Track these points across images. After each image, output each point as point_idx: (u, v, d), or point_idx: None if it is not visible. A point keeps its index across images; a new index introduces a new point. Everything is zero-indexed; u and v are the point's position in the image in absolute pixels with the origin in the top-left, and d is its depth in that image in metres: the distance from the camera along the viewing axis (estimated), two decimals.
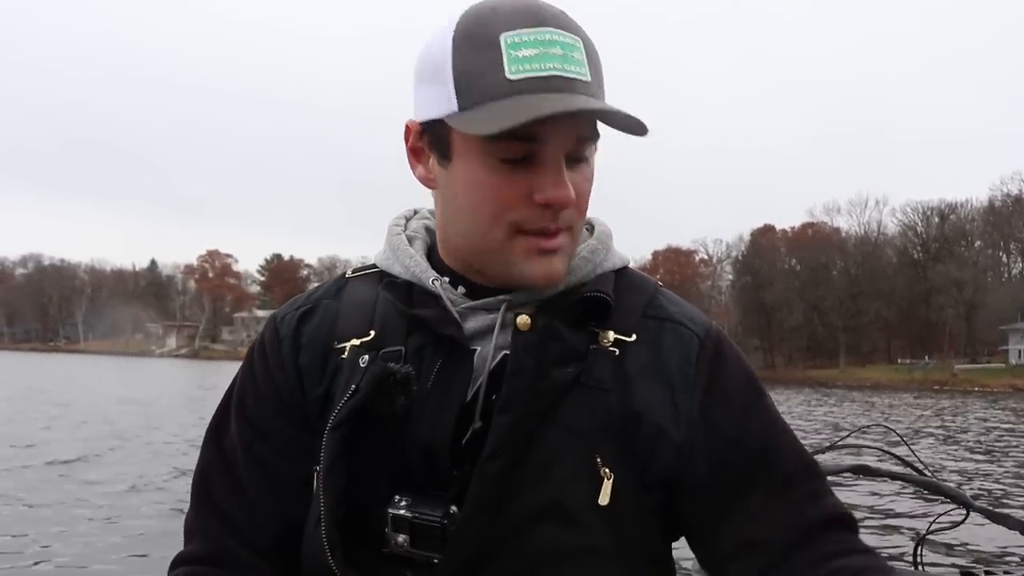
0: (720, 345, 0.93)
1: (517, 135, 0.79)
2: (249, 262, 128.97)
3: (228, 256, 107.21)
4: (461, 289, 0.91)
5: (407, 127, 0.89)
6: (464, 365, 0.87)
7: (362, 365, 0.88)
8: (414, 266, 0.92)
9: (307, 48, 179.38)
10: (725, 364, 0.92)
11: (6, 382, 28.27)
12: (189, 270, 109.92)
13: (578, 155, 0.85)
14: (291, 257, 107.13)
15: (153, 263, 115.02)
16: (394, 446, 0.85)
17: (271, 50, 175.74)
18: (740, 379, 0.92)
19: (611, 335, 0.89)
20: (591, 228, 0.97)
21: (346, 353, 0.90)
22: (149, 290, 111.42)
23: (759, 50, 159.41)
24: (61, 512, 7.32)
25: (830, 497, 0.90)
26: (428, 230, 0.98)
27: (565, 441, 0.84)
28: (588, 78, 0.82)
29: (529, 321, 0.86)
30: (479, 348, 0.88)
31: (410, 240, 0.97)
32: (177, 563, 0.93)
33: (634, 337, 0.89)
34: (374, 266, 0.98)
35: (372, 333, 0.90)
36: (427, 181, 0.90)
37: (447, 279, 0.91)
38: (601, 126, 0.84)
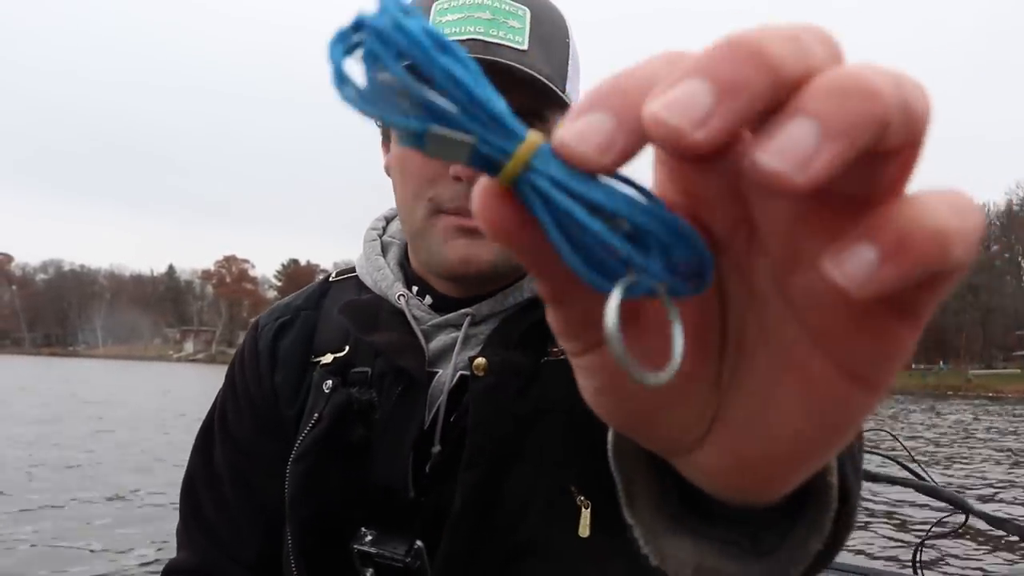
0: None
1: None
2: (266, 267, 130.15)
3: (245, 261, 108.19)
4: (428, 299, 0.88)
5: None
6: (423, 392, 0.84)
7: (326, 391, 0.87)
8: (381, 280, 0.90)
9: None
10: None
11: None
12: (207, 275, 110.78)
13: None
14: (307, 262, 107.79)
15: (171, 268, 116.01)
16: (358, 476, 0.84)
17: (292, 50, 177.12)
18: None
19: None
20: None
21: (316, 373, 0.89)
22: (167, 295, 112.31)
23: None
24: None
25: None
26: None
27: (536, 477, 0.81)
28: (522, 46, 0.77)
29: (485, 365, 0.83)
30: (441, 370, 0.85)
31: (386, 246, 0.94)
32: (168, 572, 0.94)
33: None
34: (354, 270, 0.96)
35: (347, 348, 0.89)
36: (386, 170, 0.88)
37: (416, 289, 0.89)
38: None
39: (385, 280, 0.90)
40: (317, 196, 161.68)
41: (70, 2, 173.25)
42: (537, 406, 0.83)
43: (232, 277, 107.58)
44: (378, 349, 0.86)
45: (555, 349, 0.85)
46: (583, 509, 0.80)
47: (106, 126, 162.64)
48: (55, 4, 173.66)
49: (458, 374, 0.84)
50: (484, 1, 0.78)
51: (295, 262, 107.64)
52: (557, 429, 0.82)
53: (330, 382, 0.87)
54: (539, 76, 0.76)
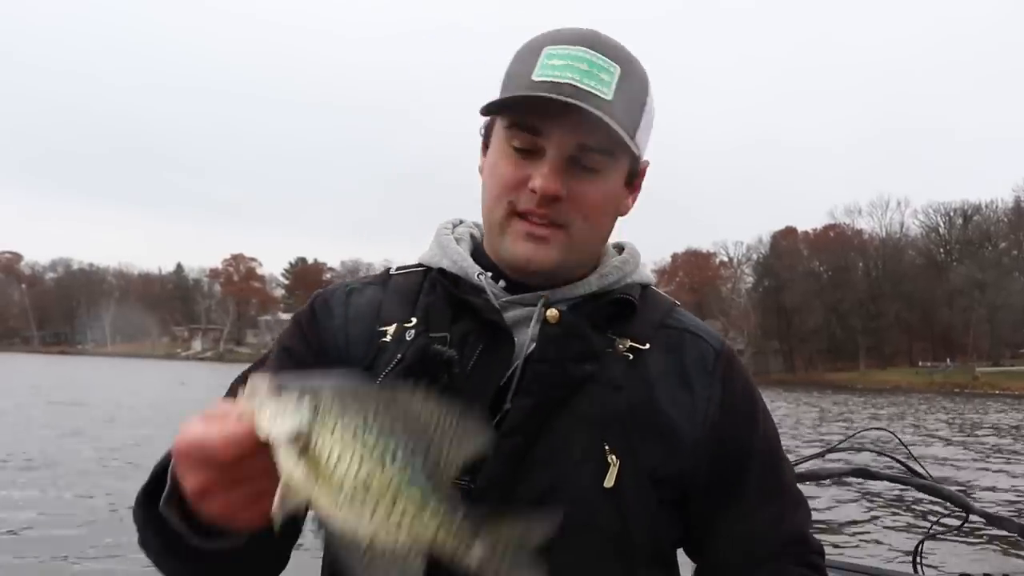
0: (732, 358, 1.04)
1: (523, 126, 0.93)
2: (273, 265, 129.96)
3: (252, 260, 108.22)
4: (502, 283, 1.01)
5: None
6: (504, 351, 0.95)
7: (408, 339, 0.97)
8: (461, 261, 1.02)
9: (336, 49, 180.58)
10: (737, 375, 1.03)
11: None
12: (214, 273, 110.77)
13: (584, 162, 0.94)
14: (315, 260, 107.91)
15: (179, 267, 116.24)
16: None
17: (296, 50, 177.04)
18: (749, 390, 1.04)
19: (627, 342, 0.98)
20: (621, 249, 1.09)
21: (389, 335, 0.98)
22: (175, 293, 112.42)
23: (816, 40, 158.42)
24: None
25: (805, 508, 1.05)
26: (472, 236, 1.09)
27: (576, 428, 0.92)
28: (608, 97, 0.91)
29: (558, 315, 0.96)
30: (516, 337, 0.96)
31: (456, 241, 1.06)
32: None
33: (647, 346, 0.98)
34: (418, 265, 1.07)
35: (414, 320, 0.99)
36: (480, 171, 1.02)
37: (490, 274, 1.01)
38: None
39: (465, 261, 1.02)
40: (324, 195, 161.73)
41: (81, 2, 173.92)
42: (593, 375, 0.94)
43: (240, 275, 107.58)
44: (469, 306, 0.97)
45: (621, 346, 0.98)
46: (611, 465, 0.91)
47: (113, 125, 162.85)
48: (65, 5, 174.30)
49: (534, 344, 0.96)
50: (586, 55, 0.92)
51: (303, 260, 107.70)
52: (606, 400, 0.94)
53: (413, 331, 0.97)
54: (612, 123, 0.90)
